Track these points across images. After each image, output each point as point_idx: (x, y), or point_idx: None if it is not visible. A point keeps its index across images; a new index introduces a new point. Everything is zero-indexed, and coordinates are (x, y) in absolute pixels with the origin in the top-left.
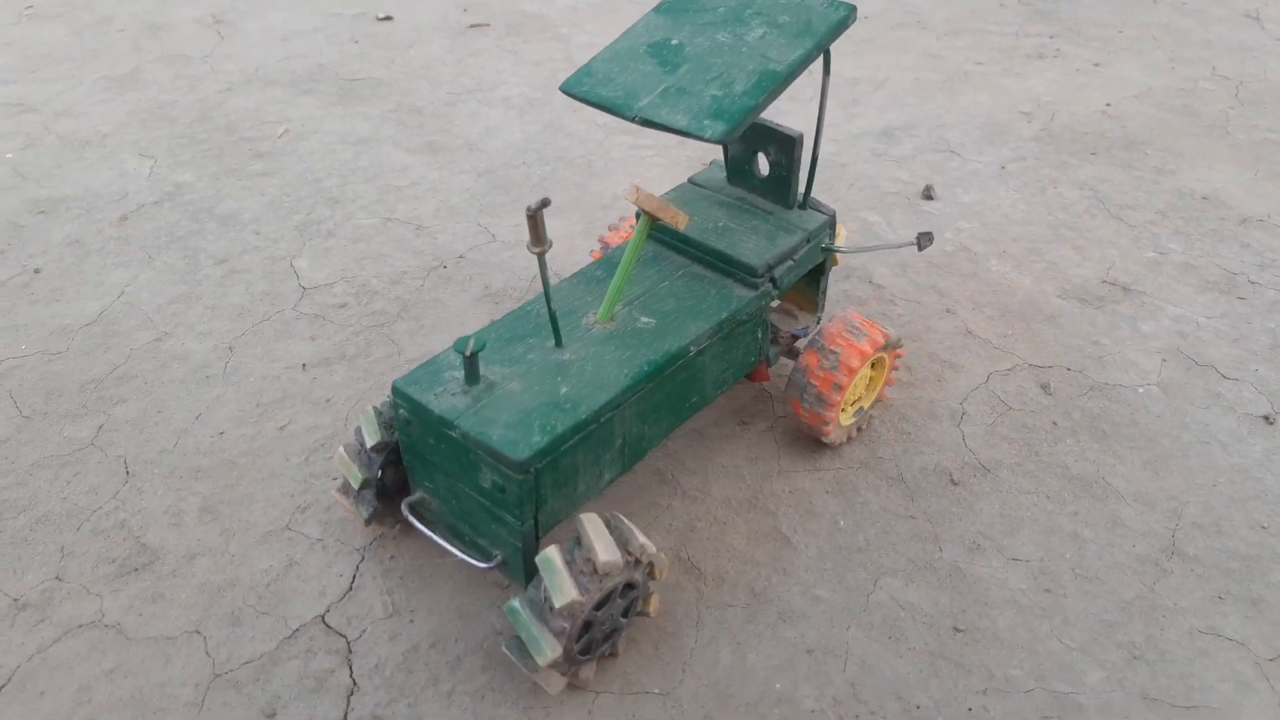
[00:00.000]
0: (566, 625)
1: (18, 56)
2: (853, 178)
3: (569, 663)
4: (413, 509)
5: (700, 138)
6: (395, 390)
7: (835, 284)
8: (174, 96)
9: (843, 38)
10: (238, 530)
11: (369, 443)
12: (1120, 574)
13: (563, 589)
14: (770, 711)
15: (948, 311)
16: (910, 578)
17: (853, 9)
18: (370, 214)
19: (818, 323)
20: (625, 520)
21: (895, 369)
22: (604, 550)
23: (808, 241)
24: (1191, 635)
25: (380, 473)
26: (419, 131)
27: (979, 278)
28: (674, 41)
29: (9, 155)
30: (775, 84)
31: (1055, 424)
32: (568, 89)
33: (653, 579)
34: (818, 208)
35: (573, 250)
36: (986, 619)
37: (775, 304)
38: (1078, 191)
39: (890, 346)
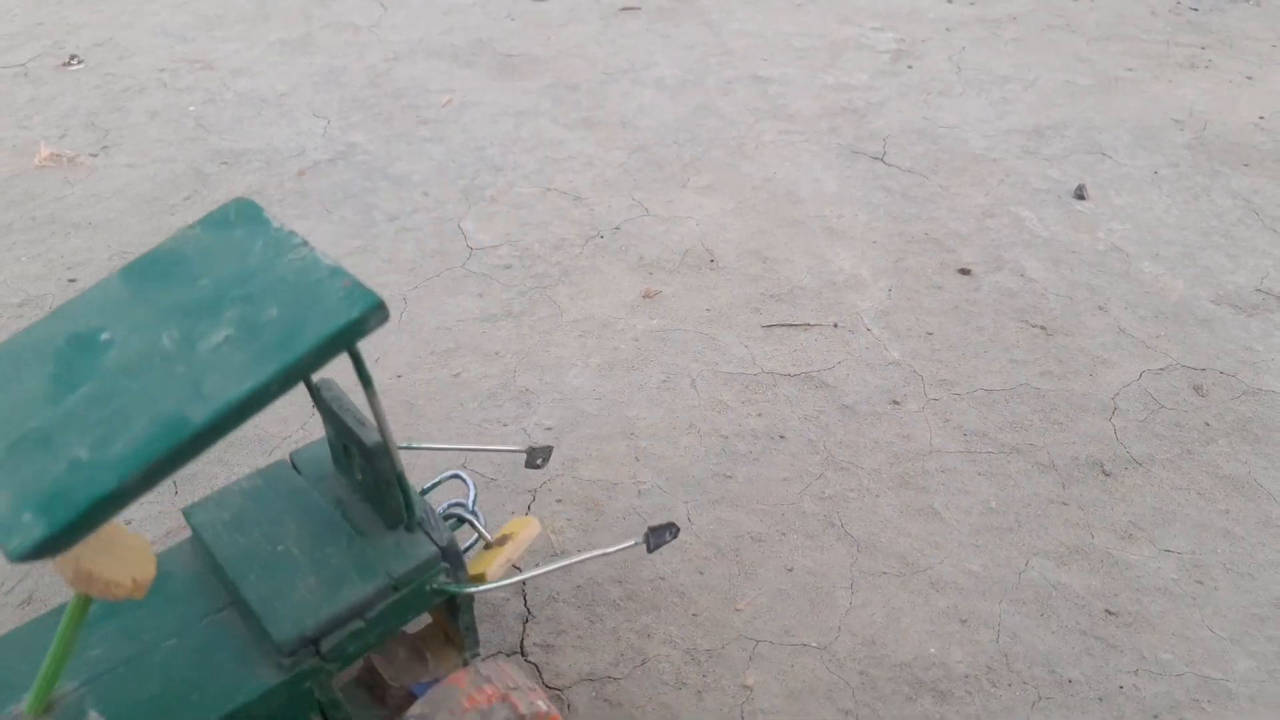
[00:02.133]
0: None
1: (194, 15)
2: (1003, 173)
3: None
4: None
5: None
6: None
7: (967, 278)
8: (344, 63)
9: (991, 35)
10: (417, 467)
11: None
12: (1272, 571)
13: None
14: (925, 673)
15: (1100, 309)
16: (1062, 560)
17: (375, 307)
18: (531, 183)
19: (465, 664)
20: None
21: None
22: None
23: (395, 590)
24: None
25: None
26: (575, 107)
27: (1131, 278)
28: (104, 336)
29: (192, 109)
30: (178, 442)
31: (1208, 425)
32: None
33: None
34: (430, 530)
35: (723, 229)
36: (1138, 604)
37: (374, 656)
38: (1231, 200)
39: None
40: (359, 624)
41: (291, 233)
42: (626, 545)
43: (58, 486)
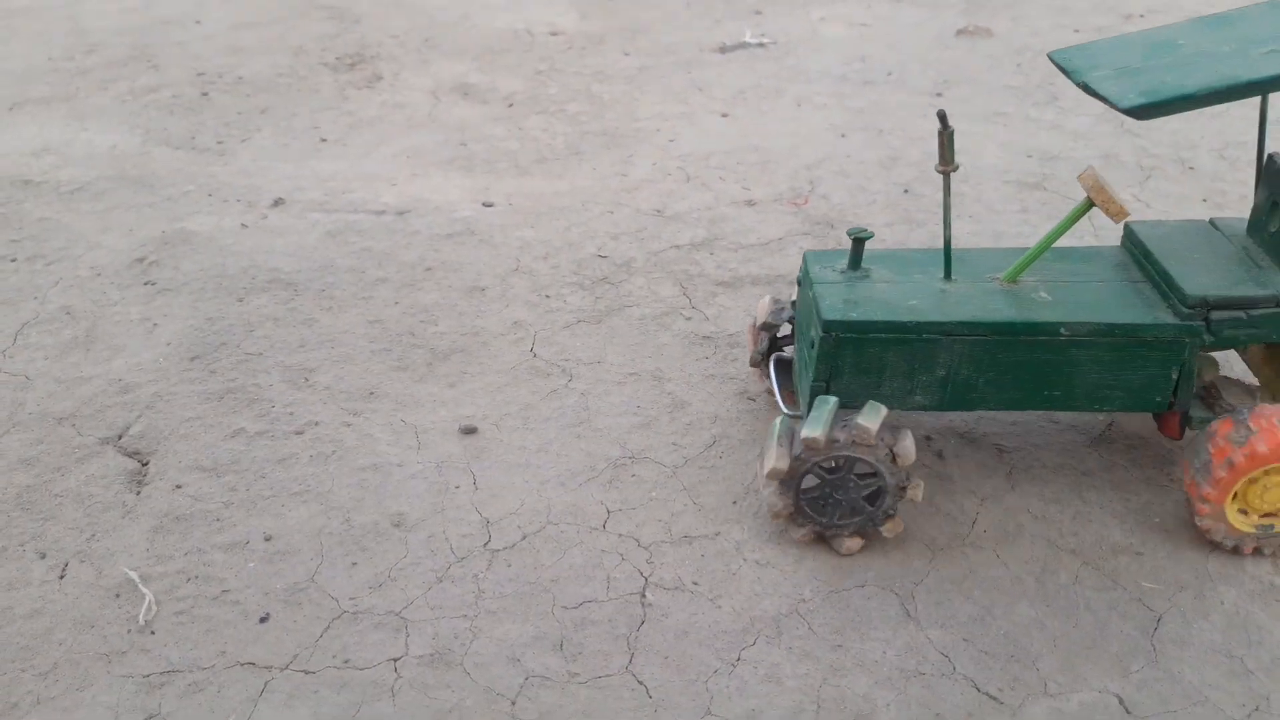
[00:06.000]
0: (799, 454)
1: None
2: None
3: (804, 518)
4: (778, 361)
5: (1116, 107)
6: (805, 256)
7: None
8: None
9: None
10: None
11: (759, 320)
12: None
13: (812, 426)
14: None
15: None
16: None
17: None
18: None
19: None
20: (889, 422)
21: None
22: (810, 428)
23: (1277, 305)
24: None
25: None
26: None
27: None
28: (1179, 41)
29: None
30: (1231, 85)
31: None
32: (1053, 55)
33: (904, 491)
34: None
35: None
36: None
37: (1220, 371)
38: None
39: None
40: (1240, 315)
41: None
42: None
43: (1155, 86)
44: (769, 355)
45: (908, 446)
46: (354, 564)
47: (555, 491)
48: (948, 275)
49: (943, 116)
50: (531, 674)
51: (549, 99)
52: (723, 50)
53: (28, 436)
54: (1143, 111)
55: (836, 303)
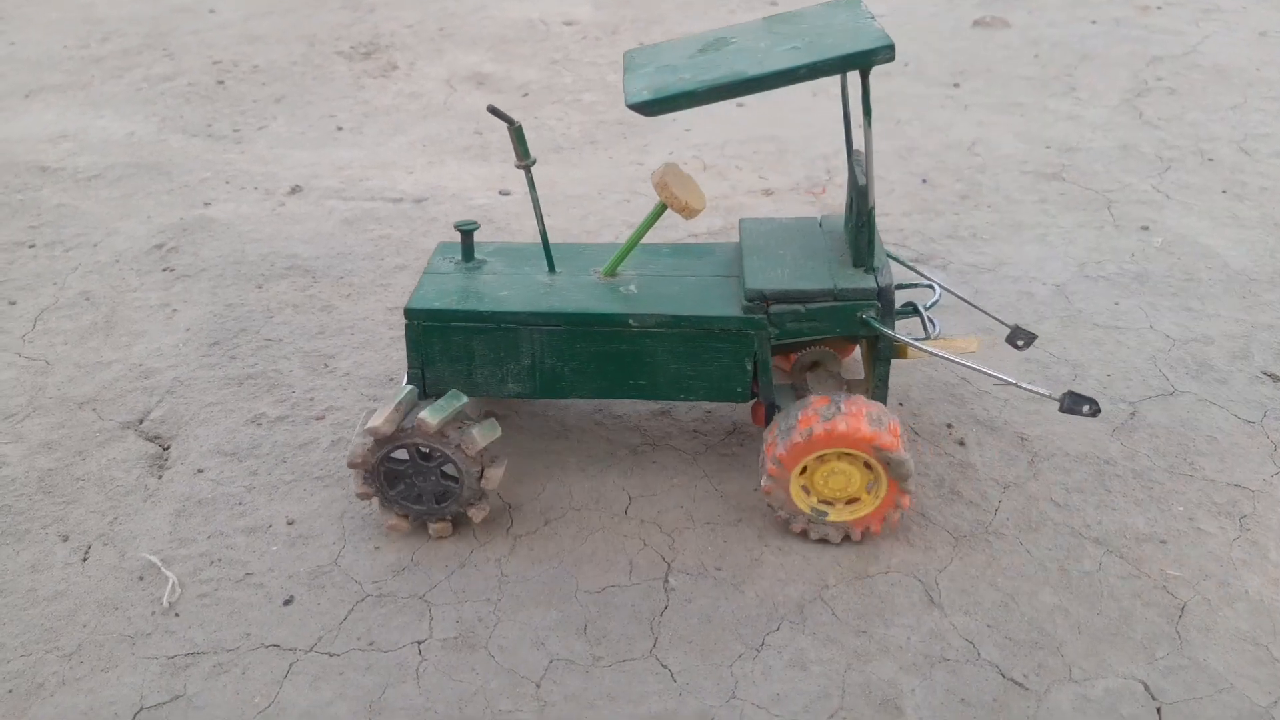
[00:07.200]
0: (364, 441)
1: None
2: None
3: (384, 498)
4: None
5: (627, 103)
6: (438, 246)
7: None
8: None
9: None
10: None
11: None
12: None
13: (375, 416)
14: None
15: None
16: None
17: (883, 49)
18: None
19: None
20: (473, 420)
21: (895, 509)
22: (379, 416)
23: (833, 298)
24: None
25: None
26: None
27: None
28: (732, 39)
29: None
30: (733, 82)
31: None
32: (627, 52)
33: (481, 480)
34: (878, 276)
35: None
36: None
37: (802, 367)
38: None
39: (891, 464)
40: (798, 308)
41: (869, 11)
42: (1043, 393)
43: (669, 84)
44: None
45: (473, 436)
46: (376, 548)
47: (576, 478)
48: (551, 269)
49: (494, 111)
50: (556, 657)
51: (564, 88)
52: None
53: (49, 421)
54: (644, 108)
55: (429, 292)
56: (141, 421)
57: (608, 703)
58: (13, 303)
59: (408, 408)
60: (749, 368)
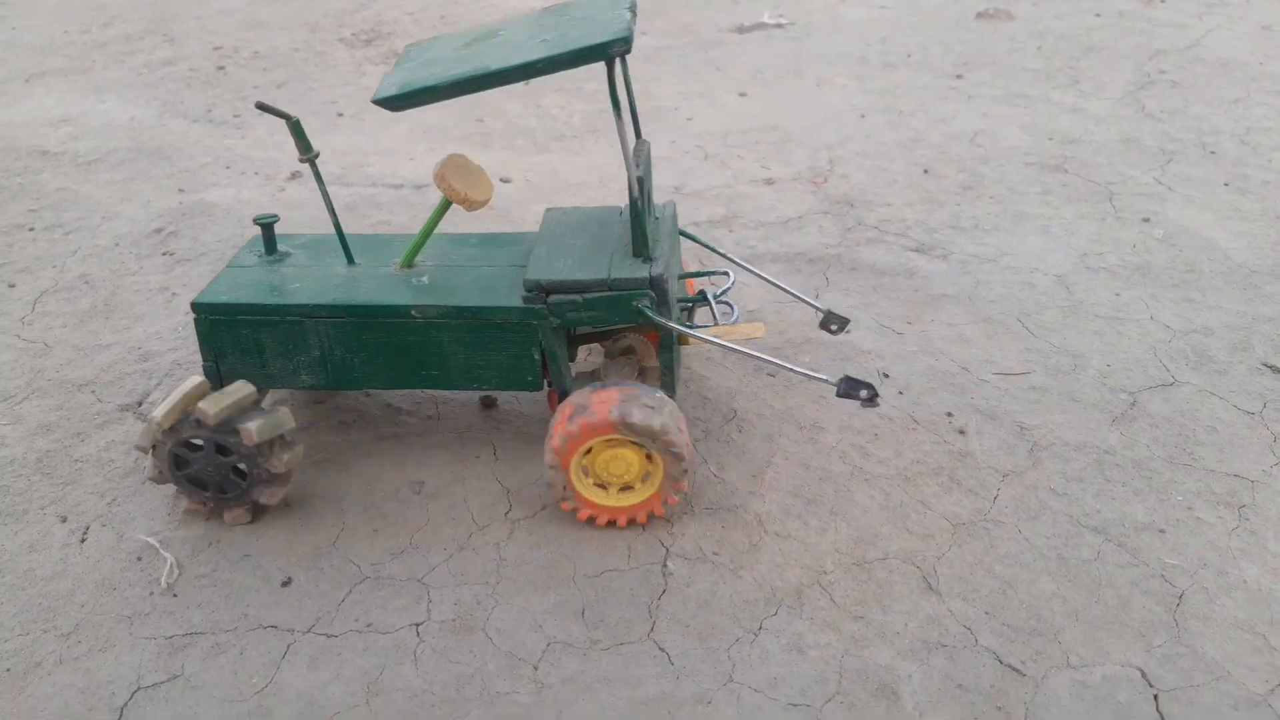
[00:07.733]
0: (149, 428)
1: None
2: None
3: (175, 482)
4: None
5: (373, 99)
6: (250, 241)
7: None
8: None
9: None
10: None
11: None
12: None
13: (160, 407)
14: None
15: None
16: None
17: (617, 41)
18: None
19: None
20: (263, 409)
21: (672, 499)
22: (161, 408)
23: (609, 288)
24: None
25: None
26: None
27: None
28: (502, 32)
29: None
30: (474, 77)
31: None
32: (409, 45)
33: (273, 471)
34: (653, 265)
35: None
36: None
37: (606, 356)
38: None
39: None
40: (576, 298)
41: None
42: (821, 378)
43: (417, 81)
44: None
45: (249, 428)
46: (375, 530)
47: None
48: (350, 260)
49: (264, 107)
50: (554, 640)
51: (566, 77)
52: (740, 30)
53: (47, 402)
54: (389, 103)
55: (220, 286)
56: (140, 404)
57: (605, 685)
58: (12, 285)
59: (195, 399)
60: (537, 357)
